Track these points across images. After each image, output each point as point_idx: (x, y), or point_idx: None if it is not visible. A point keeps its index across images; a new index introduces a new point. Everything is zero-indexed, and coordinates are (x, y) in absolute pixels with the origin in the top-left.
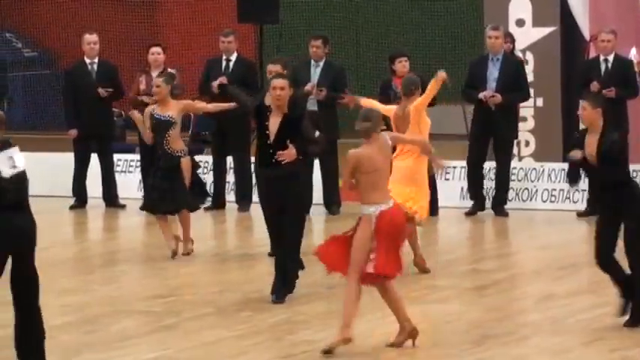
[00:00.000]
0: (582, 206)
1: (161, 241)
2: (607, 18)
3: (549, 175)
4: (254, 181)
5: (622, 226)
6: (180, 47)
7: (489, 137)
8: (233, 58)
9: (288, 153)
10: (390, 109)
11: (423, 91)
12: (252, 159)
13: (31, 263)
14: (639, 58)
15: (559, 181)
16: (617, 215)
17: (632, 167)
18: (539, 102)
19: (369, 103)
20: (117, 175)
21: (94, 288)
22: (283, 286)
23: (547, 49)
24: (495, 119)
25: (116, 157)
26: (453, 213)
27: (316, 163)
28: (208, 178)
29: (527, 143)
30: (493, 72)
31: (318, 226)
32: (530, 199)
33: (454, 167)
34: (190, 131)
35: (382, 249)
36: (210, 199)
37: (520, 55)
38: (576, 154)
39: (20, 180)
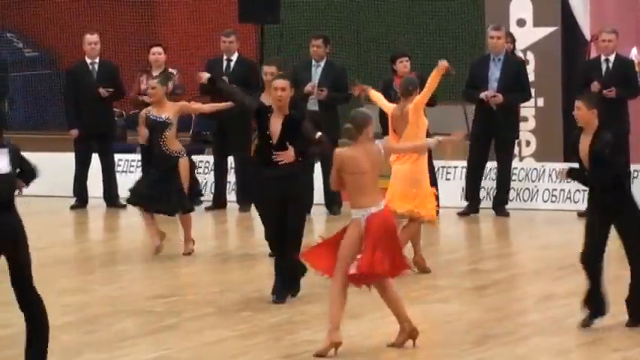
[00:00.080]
0: (583, 206)
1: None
2: (608, 18)
3: (550, 175)
4: None
5: (612, 228)
6: (181, 47)
7: (490, 137)
8: (234, 58)
9: (286, 154)
10: (392, 107)
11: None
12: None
13: (24, 264)
14: None
15: (560, 181)
16: (607, 216)
17: (632, 167)
18: (540, 102)
19: (376, 96)
20: (118, 175)
21: (94, 288)
22: (283, 286)
23: (548, 49)
24: (496, 119)
25: (117, 157)
26: (453, 213)
27: (317, 163)
28: (209, 178)
29: (527, 143)
30: (494, 72)
31: (318, 226)
32: (531, 199)
33: (455, 167)
34: (191, 131)
35: (369, 249)
36: (202, 198)
37: (520, 55)
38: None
39: (3, 180)
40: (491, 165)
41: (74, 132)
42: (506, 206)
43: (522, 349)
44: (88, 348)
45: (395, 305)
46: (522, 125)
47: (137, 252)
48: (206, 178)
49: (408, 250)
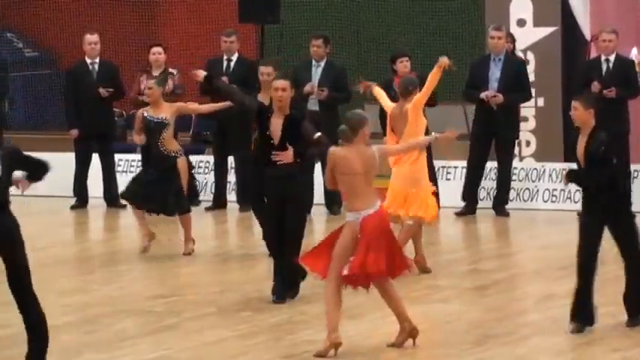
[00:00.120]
0: None
1: (162, 240)
2: (608, 18)
3: (550, 175)
4: None
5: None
6: (181, 47)
7: (491, 137)
8: (234, 58)
9: (285, 154)
10: (392, 106)
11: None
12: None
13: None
14: None
15: (560, 181)
16: (601, 216)
17: (632, 167)
18: (540, 102)
19: (380, 93)
20: (118, 175)
21: (94, 288)
22: (283, 286)
23: (548, 49)
24: (497, 119)
25: (117, 157)
26: (453, 213)
27: (317, 163)
28: (209, 178)
29: (528, 143)
30: (495, 72)
31: (318, 226)
32: (531, 199)
33: (455, 167)
34: (191, 131)
35: (362, 250)
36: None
37: (521, 55)
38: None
39: None
40: (491, 165)
41: (74, 132)
42: (507, 206)
43: (522, 349)
44: (88, 348)
45: (395, 305)
46: (522, 125)
47: (137, 252)
48: (206, 178)
49: (408, 251)
